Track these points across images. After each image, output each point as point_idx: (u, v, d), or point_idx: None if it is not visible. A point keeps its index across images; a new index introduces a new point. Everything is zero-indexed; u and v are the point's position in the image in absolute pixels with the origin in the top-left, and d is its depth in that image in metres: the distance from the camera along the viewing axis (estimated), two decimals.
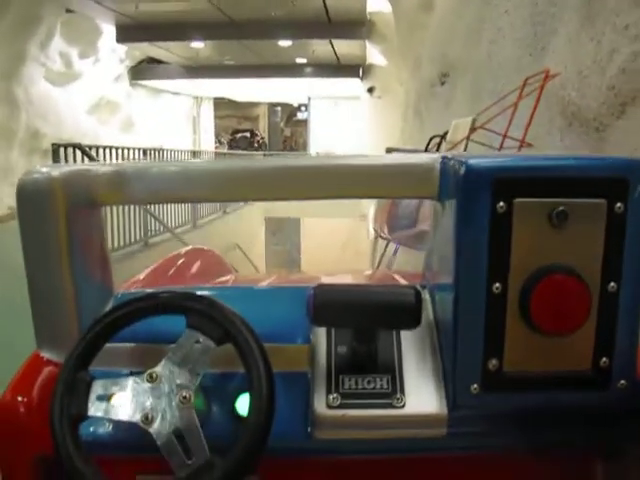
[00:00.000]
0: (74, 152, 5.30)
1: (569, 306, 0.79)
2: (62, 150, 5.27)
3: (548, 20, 3.01)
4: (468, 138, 2.94)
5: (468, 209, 0.80)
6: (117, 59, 12.50)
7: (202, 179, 0.97)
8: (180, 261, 1.93)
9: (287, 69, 13.75)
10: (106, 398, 0.80)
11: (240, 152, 16.80)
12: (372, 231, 4.56)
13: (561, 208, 0.78)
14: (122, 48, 12.13)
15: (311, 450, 0.93)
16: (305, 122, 19.41)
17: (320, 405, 0.88)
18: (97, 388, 0.80)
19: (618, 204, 0.78)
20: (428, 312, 0.98)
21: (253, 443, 0.75)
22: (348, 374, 0.90)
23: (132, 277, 1.58)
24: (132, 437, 0.83)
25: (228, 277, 1.95)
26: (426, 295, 1.00)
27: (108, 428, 0.90)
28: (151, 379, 0.80)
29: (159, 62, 13.54)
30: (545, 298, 0.79)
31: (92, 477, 0.75)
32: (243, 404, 0.88)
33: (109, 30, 10.93)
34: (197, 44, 11.65)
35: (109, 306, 1.00)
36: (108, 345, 0.85)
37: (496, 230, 0.79)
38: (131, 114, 13.39)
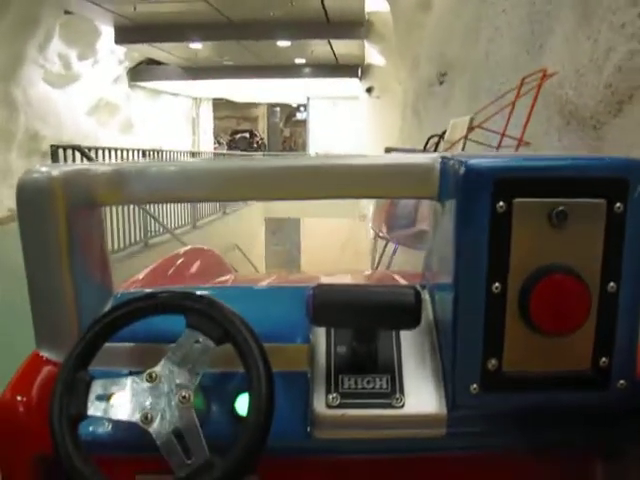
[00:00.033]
0: (73, 154, 5.30)
1: (569, 306, 0.79)
2: (61, 152, 5.27)
3: (545, 19, 3.02)
4: (466, 137, 2.94)
5: (468, 209, 0.80)
6: (116, 60, 12.50)
7: (202, 179, 0.97)
8: (179, 261, 1.93)
9: (286, 69, 13.74)
10: (105, 398, 0.80)
11: (239, 153, 16.80)
12: (372, 231, 4.56)
13: (561, 208, 0.78)
14: (121, 49, 12.12)
15: (310, 450, 0.94)
16: (304, 122, 19.40)
17: (319, 405, 0.88)
18: (96, 388, 0.80)
19: (618, 204, 0.78)
20: (428, 312, 0.98)
21: (253, 443, 0.75)
22: (348, 374, 0.90)
23: (131, 277, 1.59)
24: (131, 437, 0.83)
25: (228, 277, 1.94)
26: (426, 295, 1.00)
27: (107, 428, 0.90)
28: (150, 379, 0.80)
29: (158, 63, 13.53)
30: (545, 298, 0.79)
31: (91, 477, 0.75)
32: (242, 404, 0.88)
33: (108, 31, 10.92)
34: (196, 45, 11.65)
35: (108, 306, 1.00)
36: (107, 345, 0.85)
37: (496, 230, 0.79)
38: (130, 115, 13.39)
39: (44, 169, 0.92)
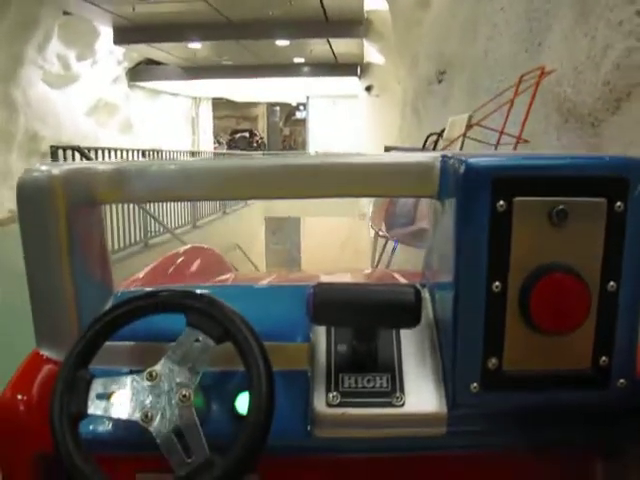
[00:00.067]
0: (73, 154, 5.30)
1: (569, 305, 0.79)
2: (61, 152, 5.27)
3: (543, 16, 3.02)
4: (464, 135, 2.94)
5: (468, 208, 0.80)
6: (115, 61, 12.50)
7: (202, 177, 0.97)
8: (180, 260, 1.93)
9: (285, 69, 13.73)
10: (106, 396, 0.80)
11: (239, 152, 16.78)
12: (372, 229, 4.56)
13: (561, 207, 0.78)
14: (120, 50, 12.12)
15: (311, 448, 0.94)
16: (304, 121, 19.39)
17: (320, 403, 0.88)
18: (97, 386, 0.81)
19: (618, 203, 0.78)
20: (428, 311, 0.98)
21: (253, 441, 0.75)
22: (348, 373, 0.90)
23: (132, 275, 1.59)
24: (132, 435, 0.83)
25: (228, 276, 1.94)
26: (426, 294, 1.01)
27: (108, 426, 0.90)
28: (151, 377, 0.80)
29: (157, 63, 13.52)
30: (545, 297, 0.79)
31: (92, 475, 0.75)
32: (243, 402, 0.88)
33: (106, 32, 10.92)
34: (195, 45, 11.64)
35: (109, 304, 1.00)
36: (108, 343, 0.85)
37: (496, 229, 0.79)
38: (130, 116, 13.38)
39: (44, 168, 0.92)
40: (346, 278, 2.01)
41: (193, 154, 12.22)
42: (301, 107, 20.92)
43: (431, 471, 0.99)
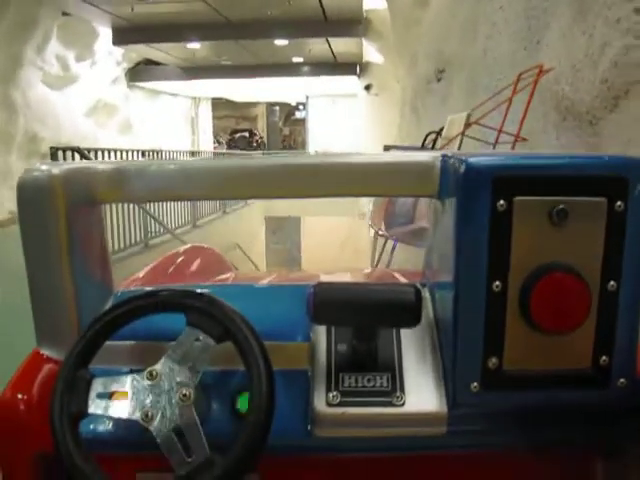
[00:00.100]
0: (72, 155, 5.31)
1: (569, 304, 0.79)
2: (60, 153, 5.28)
3: (542, 15, 3.02)
4: (463, 134, 2.94)
5: (468, 207, 0.80)
6: (114, 61, 12.50)
7: (202, 177, 0.97)
8: (180, 259, 1.92)
9: (284, 68, 13.73)
10: (106, 396, 0.81)
11: (239, 152, 16.78)
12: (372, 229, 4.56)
13: (561, 206, 0.78)
14: (119, 50, 12.12)
15: (311, 448, 0.94)
16: (303, 121, 19.39)
17: (320, 403, 0.88)
18: (97, 386, 0.81)
19: (618, 203, 0.78)
20: (428, 310, 0.98)
21: (253, 441, 0.75)
22: (348, 372, 0.90)
23: (132, 275, 1.59)
24: (132, 435, 0.84)
25: (228, 275, 1.94)
26: (426, 293, 1.00)
27: (108, 426, 0.90)
28: (151, 377, 0.80)
29: (156, 64, 13.52)
30: (545, 296, 0.79)
31: (92, 475, 0.75)
32: (243, 402, 0.88)
33: (105, 32, 10.92)
34: (193, 45, 11.64)
35: (109, 304, 1.00)
36: (108, 343, 0.85)
37: (496, 228, 0.79)
38: (129, 116, 13.38)
39: (44, 167, 0.92)
40: (346, 278, 2.01)
41: (193, 154, 12.21)
42: (300, 107, 20.92)
43: (431, 471, 0.99)
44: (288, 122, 23.95)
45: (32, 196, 0.91)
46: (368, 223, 4.59)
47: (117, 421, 0.87)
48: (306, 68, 13.89)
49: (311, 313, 0.87)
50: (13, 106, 8.80)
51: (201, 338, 0.82)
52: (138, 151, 7.30)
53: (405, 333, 0.94)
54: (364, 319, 0.89)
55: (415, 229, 2.99)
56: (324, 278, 1.63)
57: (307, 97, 17.55)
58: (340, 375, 0.90)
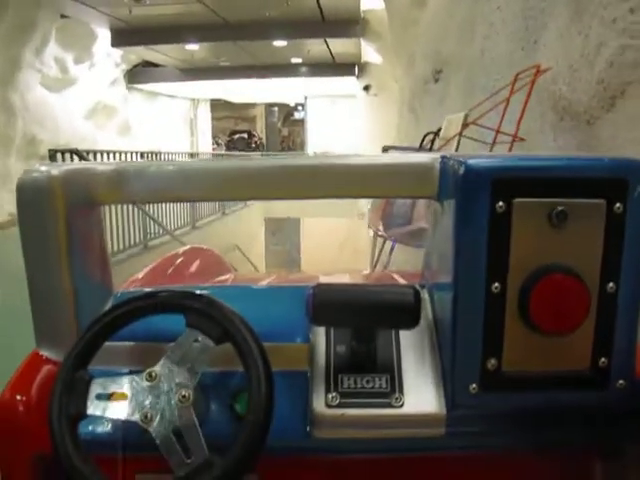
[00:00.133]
0: (71, 157, 5.30)
1: (568, 306, 0.79)
2: (59, 156, 5.28)
3: (539, 15, 3.03)
4: (460, 134, 2.95)
5: (467, 209, 0.80)
6: (112, 63, 12.51)
7: (201, 178, 0.97)
8: (179, 260, 1.92)
9: (283, 69, 13.75)
10: (105, 397, 0.80)
11: (238, 153, 16.79)
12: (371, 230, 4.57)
13: (560, 208, 0.78)
14: (117, 52, 12.13)
15: (310, 449, 0.94)
16: (302, 122, 19.40)
17: (319, 404, 0.89)
18: (96, 387, 0.81)
19: (617, 204, 0.78)
20: (427, 312, 0.98)
21: (252, 442, 0.75)
22: (347, 373, 0.90)
23: (131, 276, 1.59)
24: (131, 436, 0.84)
25: (227, 276, 1.94)
26: (425, 295, 1.00)
27: (107, 427, 0.90)
28: (150, 378, 0.80)
29: (155, 65, 13.54)
30: (544, 298, 0.79)
31: (91, 476, 0.75)
32: (242, 403, 0.88)
33: (104, 34, 10.93)
34: (192, 46, 11.65)
35: (108, 305, 1.00)
36: (107, 344, 0.85)
37: (495, 230, 0.79)
38: (128, 118, 13.39)
39: (43, 168, 0.92)
40: (345, 279, 2.01)
41: (192, 156, 12.22)
42: (299, 107, 20.93)
43: (430, 472, 0.99)
44: (287, 123, 23.96)
45: (31, 197, 0.91)
46: (367, 224, 4.60)
47: (116, 422, 0.87)
48: (304, 69, 13.90)
49: (310, 314, 0.87)
50: (12, 109, 8.80)
51: (200, 339, 0.82)
52: (137, 153, 7.29)
53: (404, 334, 0.94)
54: (363, 320, 0.89)
55: (413, 230, 2.99)
56: (323, 279, 1.63)
57: (306, 98, 17.56)
58: (339, 376, 0.90)
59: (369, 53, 11.66)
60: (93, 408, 0.80)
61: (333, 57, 13.02)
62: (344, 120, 15.51)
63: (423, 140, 3.95)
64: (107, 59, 12.08)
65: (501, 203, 0.78)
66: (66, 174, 0.93)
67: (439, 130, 3.58)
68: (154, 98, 15.17)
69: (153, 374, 0.80)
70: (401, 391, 0.89)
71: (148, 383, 0.80)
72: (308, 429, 0.90)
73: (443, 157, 0.91)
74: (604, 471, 0.98)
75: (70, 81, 10.89)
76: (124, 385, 0.81)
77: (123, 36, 10.87)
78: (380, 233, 3.67)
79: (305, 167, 0.98)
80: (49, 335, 0.97)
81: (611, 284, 0.80)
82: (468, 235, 0.81)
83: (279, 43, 11.53)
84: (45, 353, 0.97)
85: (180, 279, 1.73)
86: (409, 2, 6.64)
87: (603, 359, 0.82)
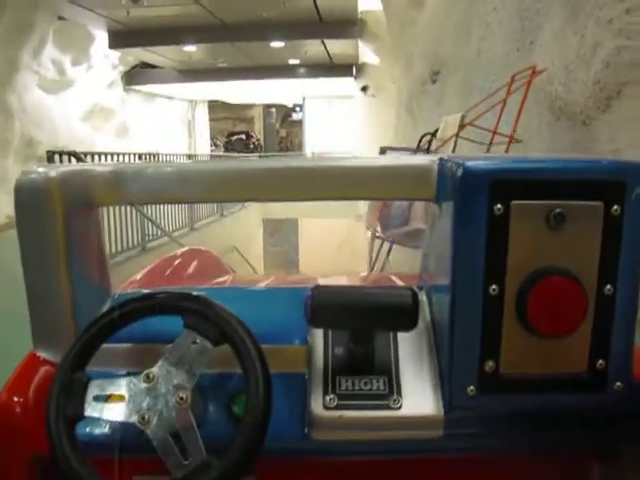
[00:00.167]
0: (69, 159, 5.31)
1: (565, 308, 0.79)
2: (57, 157, 5.28)
3: (535, 16, 3.04)
4: (457, 135, 2.96)
5: (465, 211, 0.80)
6: (110, 65, 12.50)
7: (199, 180, 0.97)
8: (177, 262, 1.91)
9: (280, 70, 13.75)
10: (103, 398, 0.80)
11: (236, 155, 16.78)
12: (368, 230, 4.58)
13: (558, 210, 0.78)
14: (115, 54, 12.12)
15: (308, 451, 0.94)
16: (300, 122, 19.40)
17: (317, 406, 0.89)
18: (94, 388, 0.81)
19: (615, 207, 0.78)
20: (425, 314, 0.98)
21: (250, 443, 0.75)
22: (345, 375, 0.91)
23: (129, 277, 1.59)
24: (129, 438, 0.84)
25: (226, 278, 1.93)
26: (423, 297, 1.01)
27: (104, 428, 0.90)
28: (148, 380, 0.80)
29: (153, 67, 13.53)
30: (542, 300, 0.79)
31: (88, 478, 0.75)
32: (240, 405, 0.88)
33: (101, 36, 10.92)
34: (190, 48, 11.65)
35: (106, 306, 1.00)
36: (105, 345, 0.85)
37: (493, 232, 0.79)
38: (125, 120, 13.37)
39: (41, 170, 0.92)
40: (343, 281, 2.00)
41: (190, 157, 12.21)
42: (297, 108, 20.93)
43: (428, 474, 0.99)
44: (285, 124, 23.96)
45: (29, 198, 0.91)
46: (364, 225, 4.61)
47: (114, 424, 0.87)
48: (302, 70, 13.90)
49: (308, 316, 0.87)
50: (9, 110, 8.78)
51: (198, 341, 0.82)
52: (135, 154, 7.29)
53: (402, 336, 0.94)
54: (361, 322, 0.89)
55: (410, 231, 3.00)
56: (321, 281, 1.63)
57: (304, 99, 17.56)
58: (337, 378, 0.90)
59: (367, 54, 11.67)
60: (91, 409, 0.80)
61: (331, 58, 13.03)
62: (342, 121, 15.52)
63: (420, 141, 3.96)
64: (105, 61, 12.06)
65: (499, 205, 0.78)
66: (64, 175, 0.93)
67: (436, 131, 3.59)
68: (152, 100, 15.16)
69: (151, 376, 0.80)
70: (399, 393, 0.89)
71: (146, 385, 0.80)
72: (306, 431, 0.90)
73: (441, 159, 0.91)
74: (602, 473, 0.98)
75: (68, 83, 10.87)
76: (122, 387, 0.81)
77: (121, 38, 10.87)
78: (377, 234, 3.68)
79: (303, 169, 0.98)
80: (47, 336, 0.97)
81: (608, 286, 0.80)
82: (466, 237, 0.81)
83: (276, 44, 11.53)
84: (43, 354, 0.97)
85: (178, 281, 1.73)
86: (407, 3, 6.64)
87: (600, 361, 0.82)
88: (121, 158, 6.67)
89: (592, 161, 0.85)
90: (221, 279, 1.89)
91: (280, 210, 12.59)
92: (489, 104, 2.91)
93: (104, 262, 1.06)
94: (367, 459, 0.98)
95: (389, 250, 3.80)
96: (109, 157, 6.33)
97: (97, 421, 0.88)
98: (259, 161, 0.99)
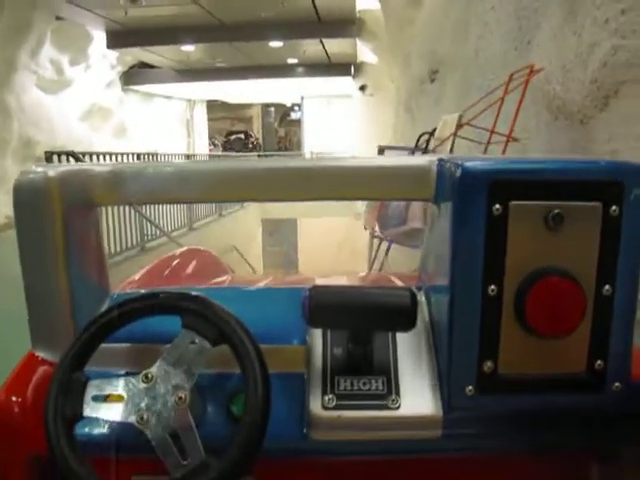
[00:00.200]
0: (67, 159, 5.30)
1: (564, 308, 0.79)
2: (55, 158, 5.27)
3: (532, 15, 3.04)
4: (455, 134, 2.96)
5: (464, 211, 0.80)
6: (108, 65, 12.49)
7: (198, 179, 0.97)
8: (176, 262, 1.91)
9: (279, 70, 13.75)
10: (101, 398, 0.80)
11: (234, 154, 16.77)
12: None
13: (557, 211, 0.78)
14: (113, 54, 12.11)
15: (307, 451, 0.93)
16: (299, 122, 19.40)
17: (316, 406, 0.88)
18: (92, 388, 0.80)
19: (613, 207, 0.78)
20: (424, 314, 0.98)
21: (249, 443, 0.75)
22: (344, 375, 0.90)
23: (128, 277, 1.59)
24: (127, 438, 0.84)
25: (224, 278, 1.93)
26: (422, 297, 1.01)
27: (103, 429, 0.90)
28: (146, 380, 0.80)
29: (151, 67, 13.52)
30: (540, 300, 0.79)
31: (87, 478, 0.75)
32: (239, 405, 0.88)
33: (99, 36, 10.92)
34: (188, 47, 11.65)
35: (105, 306, 1.00)
36: (103, 345, 0.85)
37: (492, 232, 0.79)
38: (124, 120, 13.36)
39: (40, 169, 0.92)
40: (342, 281, 2.00)
41: (188, 157, 12.20)
42: (296, 107, 20.93)
43: (426, 474, 0.99)
44: (283, 123, 23.96)
45: (28, 198, 0.91)
46: (363, 224, 4.63)
47: (112, 424, 0.87)
48: (301, 69, 13.90)
49: (307, 316, 0.87)
50: (7, 110, 8.77)
51: (197, 341, 0.81)
52: (133, 154, 7.28)
53: (401, 336, 0.94)
54: (360, 322, 0.89)
55: (408, 230, 3.01)
56: (320, 281, 1.63)
57: (302, 98, 17.55)
58: (336, 378, 0.90)
59: (365, 53, 11.67)
60: (89, 410, 0.80)
61: (329, 57, 13.03)
62: (341, 120, 15.51)
63: (418, 140, 3.97)
64: (103, 61, 12.05)
65: (497, 206, 0.78)
66: (63, 175, 0.93)
67: (434, 130, 3.60)
68: (150, 99, 15.15)
69: (149, 376, 0.80)
70: (398, 393, 0.89)
71: (144, 385, 0.80)
72: (305, 431, 0.90)
73: (440, 159, 0.91)
74: (600, 473, 0.98)
75: (66, 83, 10.87)
76: (120, 387, 0.81)
77: (119, 38, 10.86)
78: (376, 234, 3.69)
79: (302, 169, 0.98)
80: (45, 336, 0.97)
81: (607, 287, 0.80)
82: (465, 237, 0.81)
83: (275, 44, 11.53)
84: (41, 354, 0.97)
85: (177, 280, 1.72)
86: (405, 2, 6.65)
87: (599, 362, 0.82)
88: (120, 158, 6.66)
89: (590, 162, 0.85)
90: (220, 279, 1.89)
91: (279, 210, 12.58)
92: (487, 103, 2.92)
93: (103, 262, 1.06)
94: (366, 459, 0.97)
95: (388, 249, 3.81)
96: (107, 157, 6.32)
97: (96, 421, 0.87)
98: (258, 161, 0.99)
